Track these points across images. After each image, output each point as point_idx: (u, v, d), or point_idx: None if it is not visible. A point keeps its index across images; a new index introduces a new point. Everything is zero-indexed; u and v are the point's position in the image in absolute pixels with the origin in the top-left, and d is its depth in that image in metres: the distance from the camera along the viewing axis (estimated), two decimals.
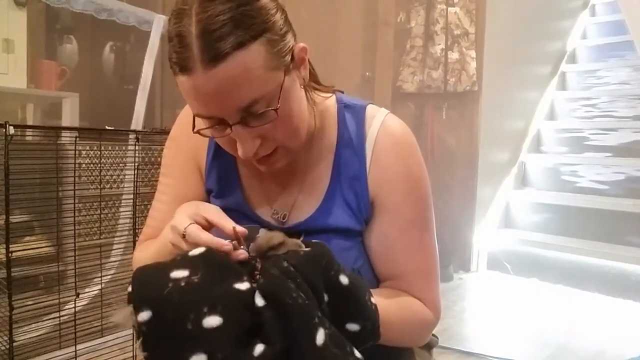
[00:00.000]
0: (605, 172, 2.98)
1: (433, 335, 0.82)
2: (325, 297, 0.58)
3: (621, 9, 3.21)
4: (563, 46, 3.77)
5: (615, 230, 2.72)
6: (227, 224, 0.64)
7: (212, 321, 0.51)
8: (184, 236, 0.63)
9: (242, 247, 0.62)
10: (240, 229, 0.62)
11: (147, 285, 0.54)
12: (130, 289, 0.55)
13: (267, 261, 0.58)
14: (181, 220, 0.64)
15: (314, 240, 0.62)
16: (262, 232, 0.75)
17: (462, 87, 2.90)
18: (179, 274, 0.54)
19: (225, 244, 0.60)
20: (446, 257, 2.77)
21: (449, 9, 2.93)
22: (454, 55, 2.92)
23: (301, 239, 0.72)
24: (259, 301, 0.54)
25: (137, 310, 0.53)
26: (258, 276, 0.58)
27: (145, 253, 0.76)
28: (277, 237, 0.60)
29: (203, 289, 0.53)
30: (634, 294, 2.42)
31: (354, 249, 0.73)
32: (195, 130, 0.65)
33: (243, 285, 0.56)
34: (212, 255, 0.58)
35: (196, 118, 0.66)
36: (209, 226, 0.65)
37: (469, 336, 2.03)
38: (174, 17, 0.61)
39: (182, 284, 0.53)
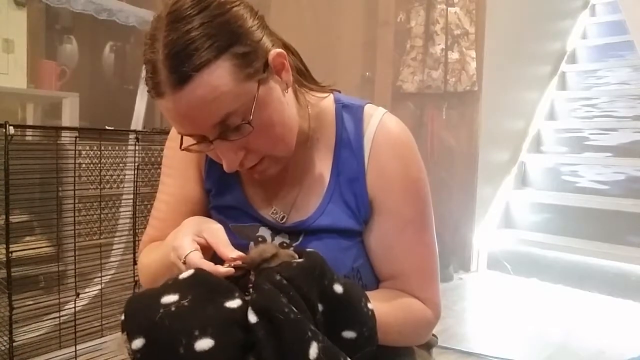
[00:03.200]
0: (605, 172, 2.98)
1: (433, 334, 0.82)
2: (320, 307, 0.58)
3: (621, 9, 3.22)
4: (563, 46, 3.76)
5: (615, 230, 2.72)
6: (227, 251, 0.63)
7: (204, 344, 0.52)
8: (184, 262, 0.63)
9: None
10: (238, 254, 0.62)
11: (139, 313, 0.55)
12: (123, 317, 0.56)
13: (259, 274, 0.58)
14: (183, 244, 0.64)
15: (308, 249, 0.62)
16: (264, 232, 0.75)
17: (462, 87, 2.90)
18: (170, 298, 0.55)
19: (224, 272, 0.60)
20: (446, 257, 2.77)
21: (449, 9, 2.93)
22: (454, 55, 2.92)
23: (300, 239, 0.73)
24: (252, 317, 0.54)
25: (130, 338, 0.54)
26: (251, 290, 0.58)
27: (150, 257, 0.77)
28: (270, 249, 0.60)
29: (193, 312, 0.54)
30: (634, 294, 2.42)
31: (354, 249, 0.73)
32: (183, 147, 0.67)
33: (234, 303, 0.56)
34: (202, 275, 0.58)
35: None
36: (209, 247, 0.65)
37: (469, 336, 2.03)
38: (147, 42, 0.62)
39: (173, 308, 0.54)
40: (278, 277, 0.56)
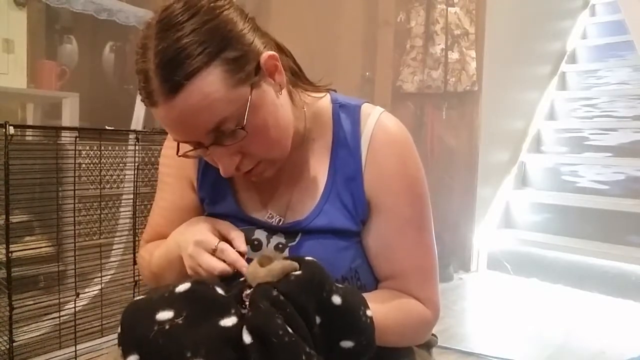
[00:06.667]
0: (605, 172, 2.98)
1: (432, 334, 0.82)
2: (318, 320, 0.58)
3: (621, 9, 3.22)
4: (563, 46, 3.76)
5: (615, 230, 2.72)
6: (241, 243, 0.69)
7: None
8: (214, 251, 0.67)
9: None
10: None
11: (135, 329, 0.55)
12: (119, 330, 0.56)
13: (256, 289, 0.58)
14: (208, 238, 0.68)
15: (307, 258, 0.62)
16: (259, 234, 0.75)
17: (462, 87, 2.90)
18: (164, 315, 0.55)
19: (243, 264, 0.65)
20: (446, 257, 2.77)
21: (449, 9, 2.93)
22: (454, 55, 2.92)
23: (297, 240, 0.72)
24: (246, 338, 0.54)
25: (125, 353, 0.54)
26: (247, 304, 0.58)
27: (154, 254, 0.78)
28: (266, 261, 0.60)
29: (186, 332, 0.54)
30: (634, 294, 2.42)
31: (351, 249, 0.72)
32: (180, 154, 0.67)
33: (229, 321, 0.56)
34: (198, 290, 0.58)
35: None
36: (221, 239, 0.70)
37: (469, 336, 2.03)
38: (138, 52, 0.62)
39: (167, 326, 0.54)
40: (275, 293, 0.56)
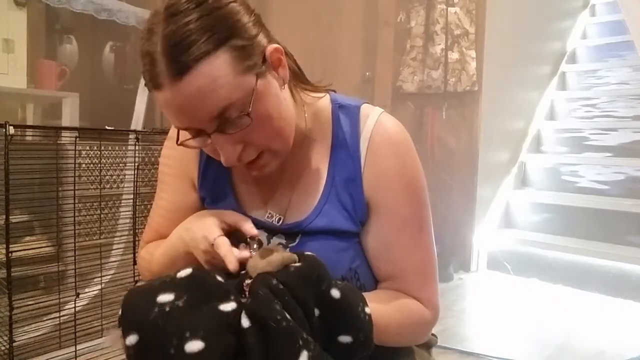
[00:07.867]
0: (605, 172, 2.98)
1: (432, 334, 0.82)
2: (316, 312, 0.58)
3: (621, 9, 3.22)
4: (563, 46, 3.77)
5: (615, 230, 2.72)
6: (250, 227, 0.70)
7: (194, 346, 0.52)
8: (212, 245, 0.66)
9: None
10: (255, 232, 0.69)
11: (135, 310, 0.56)
12: (120, 312, 0.57)
13: (256, 278, 0.59)
14: (212, 230, 0.68)
15: (306, 253, 0.62)
16: (259, 234, 0.76)
17: (462, 87, 2.90)
18: (165, 298, 0.56)
19: (247, 255, 0.65)
20: (446, 257, 2.77)
21: (449, 9, 2.93)
22: (454, 55, 2.92)
23: (297, 240, 0.72)
24: (245, 322, 0.55)
25: (125, 334, 0.55)
26: (247, 292, 0.58)
27: (156, 253, 0.78)
28: (267, 253, 0.61)
29: (186, 314, 0.55)
30: (634, 294, 2.42)
31: (351, 250, 0.72)
32: (179, 142, 0.67)
33: (229, 306, 0.56)
34: (199, 275, 0.59)
35: (181, 130, 0.67)
36: (230, 230, 0.70)
37: (469, 336, 2.03)
38: (144, 36, 0.62)
39: (167, 308, 0.55)
40: (274, 282, 0.56)
